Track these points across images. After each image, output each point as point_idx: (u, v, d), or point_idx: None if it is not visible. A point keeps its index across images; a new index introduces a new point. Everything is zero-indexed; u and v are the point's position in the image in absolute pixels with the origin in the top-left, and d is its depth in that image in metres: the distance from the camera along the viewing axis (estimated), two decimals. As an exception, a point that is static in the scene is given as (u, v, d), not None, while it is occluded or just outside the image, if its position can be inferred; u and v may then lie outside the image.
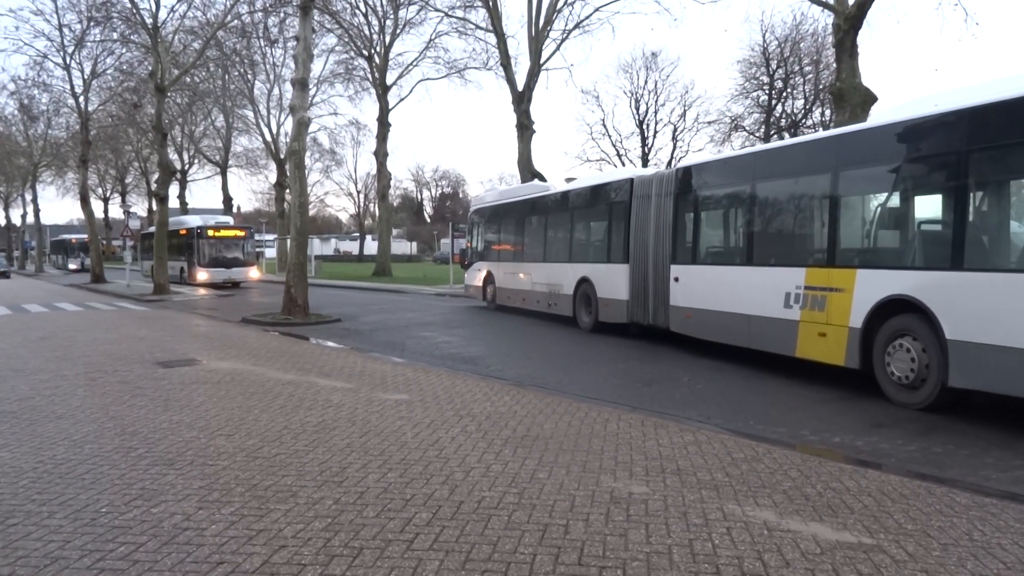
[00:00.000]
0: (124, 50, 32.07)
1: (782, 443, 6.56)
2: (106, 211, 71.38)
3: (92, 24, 30.21)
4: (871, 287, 8.63)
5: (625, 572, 3.76)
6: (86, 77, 35.21)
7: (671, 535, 4.25)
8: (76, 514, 4.58)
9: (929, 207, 8.52)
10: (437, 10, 36.01)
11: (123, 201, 67.14)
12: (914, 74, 77.06)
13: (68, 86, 36.09)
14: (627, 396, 8.84)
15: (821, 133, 11.76)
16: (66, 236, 69.47)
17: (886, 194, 9.07)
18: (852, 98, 15.79)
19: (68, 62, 34.70)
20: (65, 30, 32.92)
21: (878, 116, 10.49)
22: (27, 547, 4.07)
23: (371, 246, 71.84)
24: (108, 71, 35.05)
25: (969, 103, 7.68)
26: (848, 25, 15.89)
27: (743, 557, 3.95)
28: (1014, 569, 3.82)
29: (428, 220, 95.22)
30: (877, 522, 4.47)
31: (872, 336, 8.62)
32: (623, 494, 4.97)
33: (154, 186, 38.87)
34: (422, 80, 48.46)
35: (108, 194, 71.08)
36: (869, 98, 15.78)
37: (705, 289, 11.91)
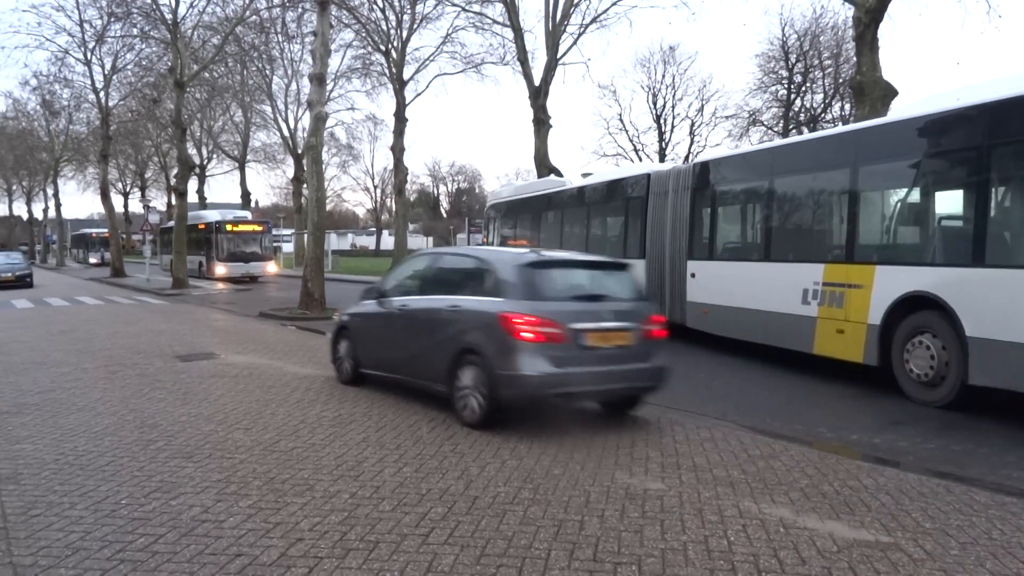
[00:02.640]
0: (144, 46, 32.34)
1: (799, 440, 6.53)
2: (126, 206, 72.01)
3: (112, 20, 30.45)
4: (890, 284, 8.54)
5: (640, 568, 3.76)
6: (106, 73, 35.53)
7: (686, 532, 4.24)
8: (96, 505, 4.64)
9: (950, 203, 8.43)
10: (454, 5, 35.89)
11: (143, 196, 67.70)
12: (935, 68, 76.20)
13: (89, 81, 36.46)
14: (643, 392, 8.80)
15: (840, 128, 11.64)
16: (87, 230, 70.19)
17: (906, 190, 8.98)
18: (872, 92, 15.56)
19: (89, 58, 35.02)
20: (86, 26, 33.21)
21: (899, 111, 10.38)
22: (49, 537, 4.13)
23: (388, 241, 71.96)
24: (128, 67, 35.36)
25: (991, 97, 7.58)
26: (869, 18, 15.67)
27: (759, 554, 3.93)
28: (1034, 569, 3.78)
29: (444, 215, 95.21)
30: (895, 520, 4.44)
31: (891, 333, 8.54)
32: (638, 490, 4.97)
33: (173, 181, 39.10)
34: (439, 75, 48.20)
35: (128, 189, 71.68)
36: (890, 92, 15.55)
37: (722, 285, 11.85)
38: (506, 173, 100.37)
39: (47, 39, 36.62)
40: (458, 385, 6.92)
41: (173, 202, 34.45)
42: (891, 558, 3.89)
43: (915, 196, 8.84)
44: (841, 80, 37.90)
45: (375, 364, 8.52)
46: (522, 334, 6.40)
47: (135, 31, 30.68)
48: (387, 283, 8.90)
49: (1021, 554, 3.96)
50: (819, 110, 41.42)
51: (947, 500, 4.81)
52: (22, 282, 30.52)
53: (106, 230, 46.84)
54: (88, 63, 35.27)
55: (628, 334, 6.82)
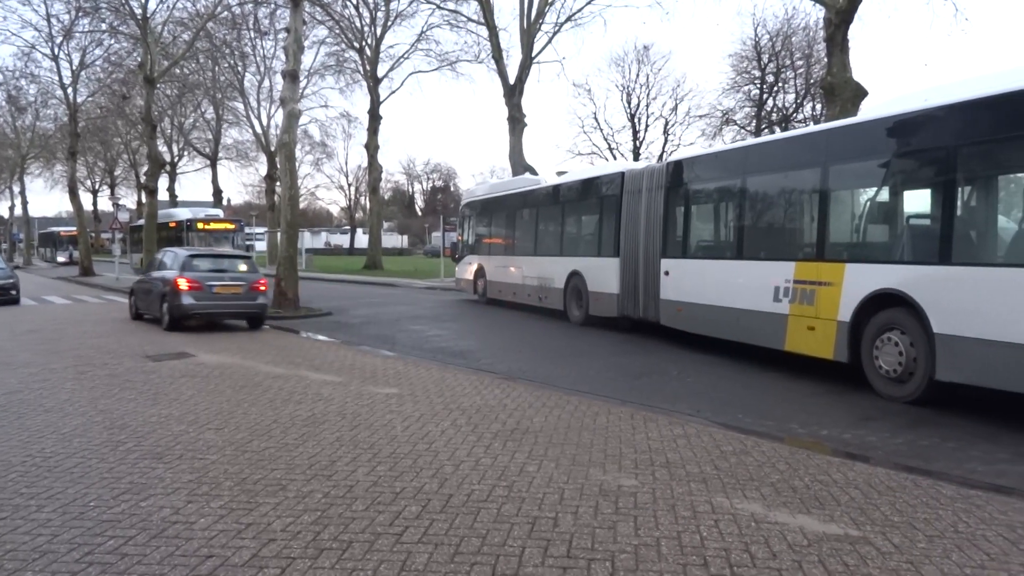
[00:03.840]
0: (113, 41, 31.88)
1: (771, 436, 6.60)
2: (95, 203, 70.95)
3: (80, 14, 29.99)
4: (860, 281, 8.67)
5: (614, 564, 3.78)
6: (74, 68, 34.96)
7: (659, 527, 4.27)
8: (64, 508, 4.57)
9: (917, 202, 8.56)
10: (428, 2, 35.89)
11: (112, 194, 66.79)
12: (904, 69, 77.39)
13: (56, 77, 35.86)
14: (617, 389, 8.86)
15: (811, 128, 11.79)
16: (55, 229, 68.99)
17: (875, 189, 9.11)
18: (843, 92, 15.80)
19: (56, 53, 34.46)
20: (53, 20, 32.64)
21: (868, 111, 10.53)
22: (15, 540, 4.05)
23: (362, 239, 71.64)
24: (97, 62, 34.81)
25: (958, 98, 7.72)
26: (839, 19, 15.90)
27: (730, 549, 3.97)
28: (998, 560, 3.86)
29: (419, 213, 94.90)
30: (864, 514, 4.51)
31: (860, 330, 8.66)
32: (612, 487, 4.99)
33: (143, 178, 38.64)
34: (413, 73, 48.24)
35: (97, 186, 70.60)
36: (860, 93, 15.80)
37: (695, 283, 11.94)
38: (481, 171, 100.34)
39: (13, 34, 36.07)
40: (161, 311, 14.63)
41: (143, 200, 34.04)
42: (860, 551, 3.95)
43: (884, 195, 8.97)
44: (812, 80, 38.37)
45: (142, 308, 16.20)
46: (180, 287, 13.96)
47: (104, 26, 30.26)
48: (148, 267, 17.36)
49: (986, 546, 4.05)
50: (791, 110, 41.91)
51: (915, 494, 4.89)
52: (5, 296, 20.71)
53: (74, 228, 46.09)
54: (55, 58, 34.72)
55: (239, 287, 14.52)
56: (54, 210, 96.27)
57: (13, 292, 21.11)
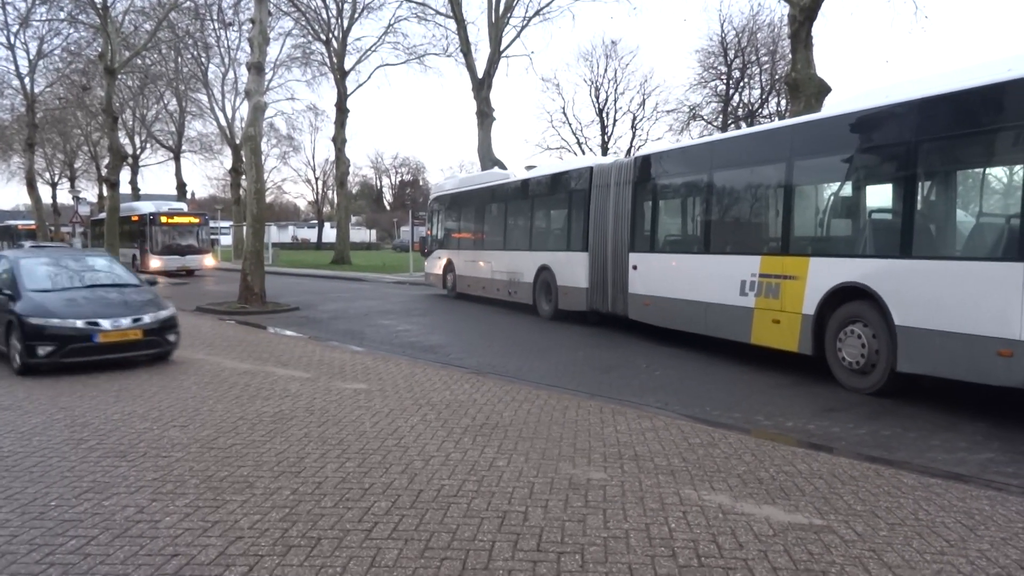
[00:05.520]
0: (72, 30, 31.25)
1: (737, 428, 6.68)
2: (54, 197, 69.32)
3: (38, 2, 29.26)
4: (823, 275, 8.80)
5: (583, 557, 3.80)
6: (32, 58, 34.23)
7: (628, 520, 4.31)
8: (24, 508, 4.47)
9: (880, 196, 8.71)
10: (396, -6, 35.58)
11: (72, 186, 65.22)
12: (866, 66, 78.57)
13: (12, 67, 35.19)
14: (586, 383, 8.90)
15: (776, 123, 11.92)
16: (12, 222, 67.31)
17: (838, 183, 9.24)
18: (807, 89, 16.01)
19: (12, 42, 33.70)
20: (9, 8, 31.85)
21: (831, 107, 10.68)
22: (-28, 543, 3.96)
23: (330, 234, 71.06)
24: (55, 52, 34.13)
25: (918, 95, 7.85)
26: (803, 16, 16.10)
27: (698, 540, 4.02)
28: (956, 547, 3.96)
29: (388, 207, 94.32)
30: (828, 504, 4.59)
31: (824, 323, 8.79)
32: (581, 480, 5.02)
33: (104, 171, 37.85)
34: (381, 66, 47.78)
35: (56, 179, 69.00)
36: (823, 89, 16.02)
37: (663, 277, 12.03)
38: (450, 166, 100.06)
39: (-35, 22, 34.97)
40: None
41: (104, 193, 33.36)
42: (824, 540, 4.02)
43: (847, 190, 9.11)
44: (777, 76, 38.79)
45: None
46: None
47: (62, 15, 29.58)
48: None
49: (945, 533, 4.14)
50: (756, 105, 42.29)
51: (877, 483, 4.99)
52: (159, 344, 9.96)
53: (33, 222, 45.10)
54: (11, 47, 34.01)
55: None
56: (11, 203, 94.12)
57: (171, 338, 10.26)
